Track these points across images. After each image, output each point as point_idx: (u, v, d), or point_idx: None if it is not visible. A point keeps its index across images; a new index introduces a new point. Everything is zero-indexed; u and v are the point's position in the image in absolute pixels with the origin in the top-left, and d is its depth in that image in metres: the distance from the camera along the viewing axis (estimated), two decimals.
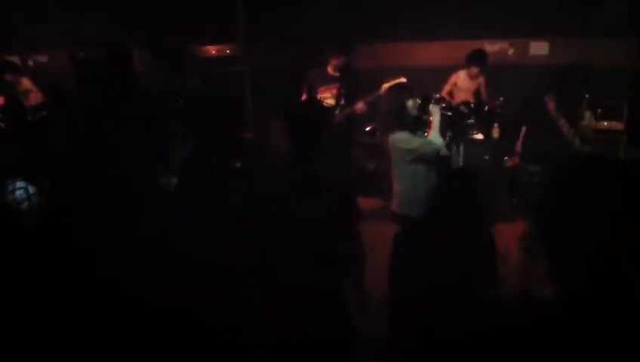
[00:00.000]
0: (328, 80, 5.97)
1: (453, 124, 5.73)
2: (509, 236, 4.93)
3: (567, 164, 1.26)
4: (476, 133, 5.85)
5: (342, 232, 2.41)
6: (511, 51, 6.69)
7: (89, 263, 2.07)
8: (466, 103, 5.96)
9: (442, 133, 4.19)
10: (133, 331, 2.07)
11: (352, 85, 5.96)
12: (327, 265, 2.28)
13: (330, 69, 5.98)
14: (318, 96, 5.93)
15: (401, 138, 3.93)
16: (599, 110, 5.19)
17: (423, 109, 4.06)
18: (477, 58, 5.91)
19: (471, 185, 2.47)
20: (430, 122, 4.06)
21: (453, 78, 6.16)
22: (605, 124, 5.29)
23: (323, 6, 6.96)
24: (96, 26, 6.58)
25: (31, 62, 7.75)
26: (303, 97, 5.94)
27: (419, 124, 4.02)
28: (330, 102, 5.91)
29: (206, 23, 6.58)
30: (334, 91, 5.94)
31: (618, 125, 5.17)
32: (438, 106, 4.20)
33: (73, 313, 2.00)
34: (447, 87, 6.16)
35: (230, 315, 2.28)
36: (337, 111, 5.90)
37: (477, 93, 6.06)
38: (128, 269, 2.16)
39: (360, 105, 5.76)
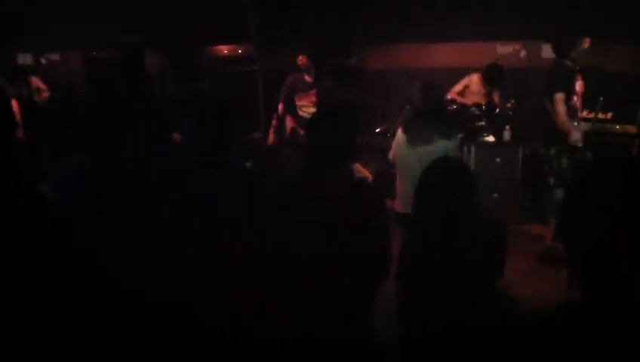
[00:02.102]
0: (306, 87, 5.76)
1: (464, 126, 5.73)
2: (521, 239, 4.98)
3: (588, 166, 1.23)
4: (487, 136, 5.84)
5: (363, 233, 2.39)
6: (523, 53, 6.65)
7: (90, 264, 2.07)
8: (478, 105, 5.95)
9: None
10: (132, 331, 2.07)
11: (329, 93, 5.53)
12: (342, 265, 2.27)
13: (307, 76, 5.78)
14: (297, 104, 5.77)
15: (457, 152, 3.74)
16: (612, 114, 5.16)
17: None
18: (492, 78, 5.90)
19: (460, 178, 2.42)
20: None
21: (465, 80, 6.14)
22: (618, 127, 5.27)
23: (334, 7, 6.93)
24: (110, 27, 6.61)
25: (43, 61, 7.79)
26: (280, 106, 5.78)
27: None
28: (309, 110, 5.68)
29: (218, 23, 6.59)
30: (312, 99, 5.69)
31: (632, 128, 5.14)
32: None
33: (75, 314, 2.00)
34: (457, 87, 6.14)
35: (235, 316, 2.27)
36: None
37: (489, 96, 6.04)
38: (128, 269, 2.15)
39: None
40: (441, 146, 3.53)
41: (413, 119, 3.77)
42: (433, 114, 3.63)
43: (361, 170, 5.17)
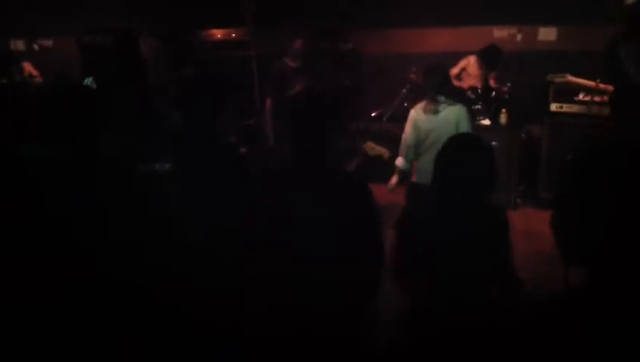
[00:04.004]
0: (290, 73, 5.29)
1: None
2: (516, 224, 4.97)
3: (595, 150, 1.21)
4: (483, 119, 5.82)
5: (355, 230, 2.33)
6: (519, 37, 6.63)
7: (85, 262, 2.03)
8: (474, 89, 5.93)
9: None
10: (131, 329, 2.04)
11: (320, 77, 5.33)
12: (336, 263, 2.22)
13: (288, 60, 5.32)
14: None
15: (468, 116, 4.04)
16: None
17: None
18: (490, 59, 5.85)
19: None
20: None
21: (463, 63, 6.10)
22: None
23: None
24: (103, 11, 6.55)
25: (36, 47, 7.73)
26: (268, 102, 5.45)
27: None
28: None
29: (213, 7, 6.52)
30: (299, 87, 5.19)
31: None
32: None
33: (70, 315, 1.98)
34: (454, 70, 6.09)
35: (233, 314, 2.24)
36: None
37: (485, 80, 6.01)
38: (124, 266, 2.11)
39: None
40: (453, 112, 3.98)
41: (421, 96, 4.18)
42: (439, 87, 4.04)
43: (375, 148, 5.11)
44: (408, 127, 4.21)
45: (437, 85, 4.04)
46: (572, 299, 1.20)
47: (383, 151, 5.08)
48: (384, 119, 6.42)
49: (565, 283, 1.32)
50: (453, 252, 2.21)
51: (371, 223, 2.39)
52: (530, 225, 5.06)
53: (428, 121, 4.04)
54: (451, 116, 3.98)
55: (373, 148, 5.05)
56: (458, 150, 2.34)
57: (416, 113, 4.15)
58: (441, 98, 4.02)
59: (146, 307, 2.07)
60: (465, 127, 3.97)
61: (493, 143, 5.58)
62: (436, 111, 4.02)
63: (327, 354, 2.14)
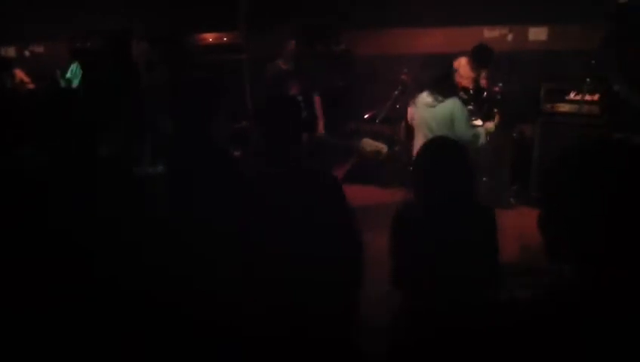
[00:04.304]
0: (284, 76, 5.29)
1: None
2: (509, 224, 4.98)
3: (586, 147, 1.21)
4: (475, 120, 5.83)
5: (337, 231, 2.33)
6: (510, 37, 6.65)
7: (78, 264, 2.02)
8: (465, 90, 5.93)
9: None
10: (128, 330, 2.04)
11: (311, 78, 5.40)
12: (324, 264, 2.22)
13: (281, 62, 5.35)
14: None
15: (462, 109, 4.30)
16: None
17: None
18: (481, 58, 5.85)
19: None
20: None
21: (454, 65, 6.10)
22: None
23: None
24: (94, 15, 6.52)
25: (27, 53, 7.70)
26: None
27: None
28: None
29: (206, 10, 6.52)
30: (295, 91, 5.17)
31: None
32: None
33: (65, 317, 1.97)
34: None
35: (226, 315, 2.23)
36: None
37: (477, 80, 6.02)
38: (119, 267, 2.10)
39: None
40: (447, 105, 4.23)
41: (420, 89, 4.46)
42: (434, 82, 4.34)
43: (373, 143, 5.14)
44: (411, 117, 4.50)
45: (433, 79, 4.32)
46: (560, 297, 1.20)
47: (381, 147, 5.10)
48: (377, 121, 6.42)
49: (554, 281, 1.32)
50: (440, 251, 2.23)
51: (346, 223, 2.41)
52: (524, 224, 5.06)
53: (424, 112, 4.25)
54: (446, 109, 4.18)
55: (370, 144, 5.09)
56: (433, 155, 2.40)
57: (414, 106, 4.39)
58: (437, 91, 4.23)
59: (138, 308, 2.07)
60: (460, 118, 4.06)
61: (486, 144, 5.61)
62: (431, 105, 4.21)
63: (310, 353, 2.14)
